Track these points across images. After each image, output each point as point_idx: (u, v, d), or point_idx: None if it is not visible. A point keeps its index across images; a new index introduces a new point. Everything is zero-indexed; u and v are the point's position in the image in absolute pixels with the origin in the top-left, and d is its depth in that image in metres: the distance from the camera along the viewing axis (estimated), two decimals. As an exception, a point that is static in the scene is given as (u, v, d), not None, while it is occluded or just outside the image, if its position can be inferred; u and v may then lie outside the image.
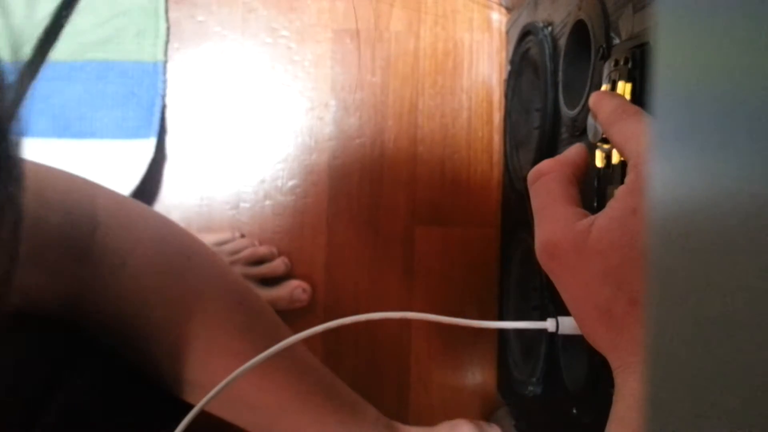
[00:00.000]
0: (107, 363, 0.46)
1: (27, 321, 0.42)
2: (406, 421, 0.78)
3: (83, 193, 0.44)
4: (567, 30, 0.51)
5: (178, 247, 0.48)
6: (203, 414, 0.41)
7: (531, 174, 0.36)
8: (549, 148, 0.56)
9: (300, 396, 0.51)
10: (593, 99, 0.36)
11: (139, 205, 0.48)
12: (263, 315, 0.51)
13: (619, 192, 0.31)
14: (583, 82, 0.47)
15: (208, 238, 0.74)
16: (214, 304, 0.48)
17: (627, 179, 0.31)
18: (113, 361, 0.47)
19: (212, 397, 0.41)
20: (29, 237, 0.40)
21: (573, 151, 0.37)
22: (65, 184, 0.44)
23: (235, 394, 0.48)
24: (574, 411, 0.48)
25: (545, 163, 0.36)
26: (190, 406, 0.51)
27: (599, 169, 0.41)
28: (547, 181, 0.35)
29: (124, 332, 0.46)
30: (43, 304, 0.42)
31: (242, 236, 0.78)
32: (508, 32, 0.78)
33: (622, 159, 0.38)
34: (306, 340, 0.42)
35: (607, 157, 0.40)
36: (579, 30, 0.49)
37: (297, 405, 0.51)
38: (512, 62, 0.69)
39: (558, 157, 0.36)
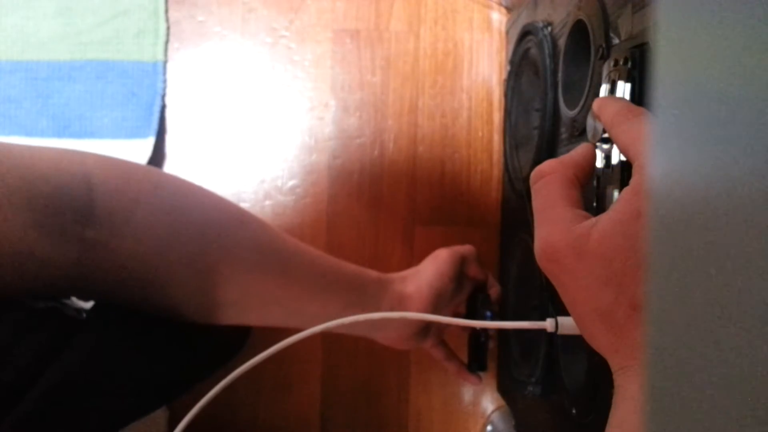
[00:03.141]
0: (100, 344, 0.48)
1: (5, 307, 0.43)
2: (405, 422, 0.79)
3: (73, 160, 0.46)
4: (566, 30, 0.51)
5: (173, 189, 0.52)
6: (204, 410, 0.41)
7: (533, 174, 0.36)
8: (548, 148, 0.56)
9: (317, 279, 0.58)
10: (597, 102, 0.36)
11: (126, 161, 0.51)
12: (267, 229, 0.57)
13: (624, 194, 0.31)
14: (582, 82, 0.47)
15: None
16: (223, 228, 0.53)
17: (632, 181, 0.31)
18: (107, 340, 0.49)
19: (212, 397, 0.42)
20: (31, 208, 0.41)
21: (578, 152, 0.37)
22: (54, 156, 0.45)
23: (267, 296, 0.55)
24: (574, 411, 0.48)
25: (547, 164, 0.36)
26: (192, 378, 0.56)
27: (599, 169, 0.41)
28: (549, 182, 0.35)
29: (141, 280, 0.49)
30: (50, 272, 0.44)
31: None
32: (508, 32, 0.77)
33: (621, 159, 0.38)
34: (306, 339, 0.43)
35: (607, 157, 0.40)
36: (578, 30, 0.49)
37: (319, 288, 0.58)
38: (512, 62, 0.69)
39: (561, 158, 0.36)
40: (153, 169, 0.54)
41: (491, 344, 0.72)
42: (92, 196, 0.46)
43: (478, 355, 0.70)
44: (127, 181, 0.48)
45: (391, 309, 0.62)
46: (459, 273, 0.67)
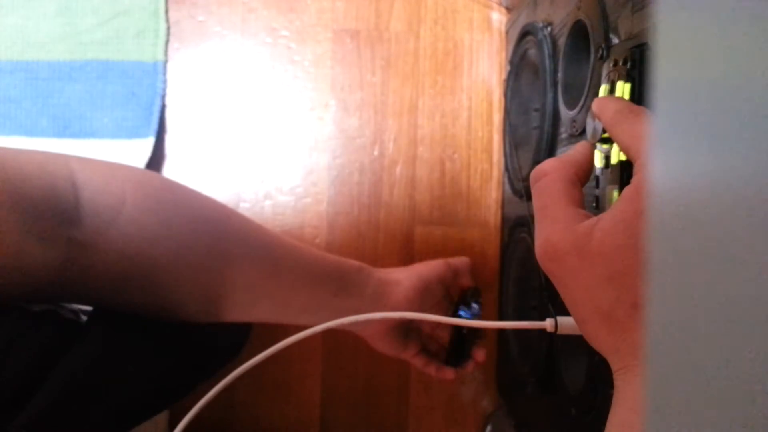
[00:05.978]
0: (102, 348, 0.48)
1: (5, 311, 0.43)
2: (406, 423, 0.79)
3: (57, 162, 0.46)
4: (566, 30, 0.51)
5: (158, 185, 0.52)
6: (204, 410, 0.41)
7: (533, 173, 0.36)
8: (548, 148, 0.56)
9: (304, 268, 0.59)
10: (596, 102, 0.36)
11: (109, 161, 0.51)
12: (251, 222, 0.58)
13: (625, 193, 0.31)
14: (582, 82, 0.47)
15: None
16: (209, 222, 0.54)
17: (633, 179, 0.30)
18: (108, 343, 0.48)
19: (212, 397, 0.42)
20: (17, 211, 0.41)
21: (577, 150, 0.37)
22: (39, 158, 0.46)
23: (257, 289, 0.56)
24: (573, 411, 0.48)
25: (548, 163, 0.35)
26: (193, 380, 0.56)
27: (599, 169, 0.41)
28: (550, 182, 0.35)
29: (133, 280, 0.49)
30: (39, 276, 0.44)
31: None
32: (507, 32, 0.77)
33: (621, 159, 0.38)
34: (306, 339, 0.43)
35: (606, 157, 0.40)
36: (578, 30, 0.49)
37: (307, 277, 0.59)
38: (512, 62, 0.69)
39: (561, 157, 0.36)
40: (136, 168, 0.55)
41: (481, 336, 0.71)
42: (78, 195, 0.46)
43: (458, 348, 0.69)
44: (111, 180, 0.48)
45: (375, 294, 0.62)
46: (449, 280, 0.68)
